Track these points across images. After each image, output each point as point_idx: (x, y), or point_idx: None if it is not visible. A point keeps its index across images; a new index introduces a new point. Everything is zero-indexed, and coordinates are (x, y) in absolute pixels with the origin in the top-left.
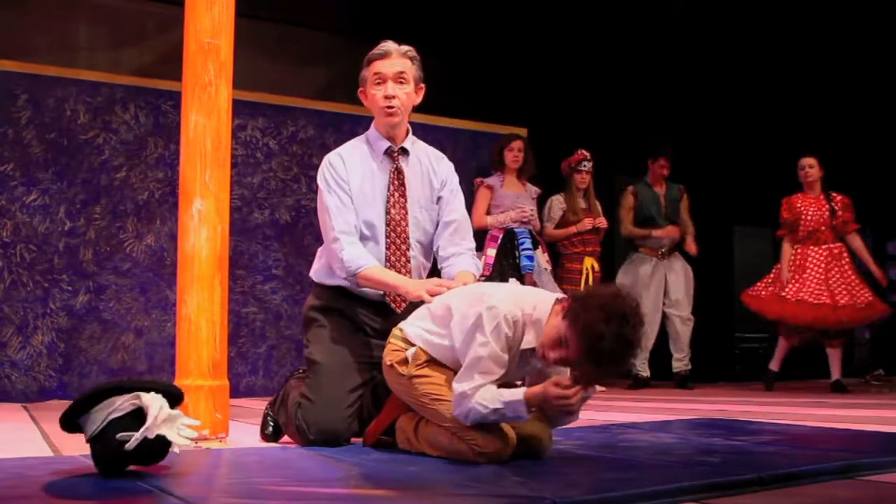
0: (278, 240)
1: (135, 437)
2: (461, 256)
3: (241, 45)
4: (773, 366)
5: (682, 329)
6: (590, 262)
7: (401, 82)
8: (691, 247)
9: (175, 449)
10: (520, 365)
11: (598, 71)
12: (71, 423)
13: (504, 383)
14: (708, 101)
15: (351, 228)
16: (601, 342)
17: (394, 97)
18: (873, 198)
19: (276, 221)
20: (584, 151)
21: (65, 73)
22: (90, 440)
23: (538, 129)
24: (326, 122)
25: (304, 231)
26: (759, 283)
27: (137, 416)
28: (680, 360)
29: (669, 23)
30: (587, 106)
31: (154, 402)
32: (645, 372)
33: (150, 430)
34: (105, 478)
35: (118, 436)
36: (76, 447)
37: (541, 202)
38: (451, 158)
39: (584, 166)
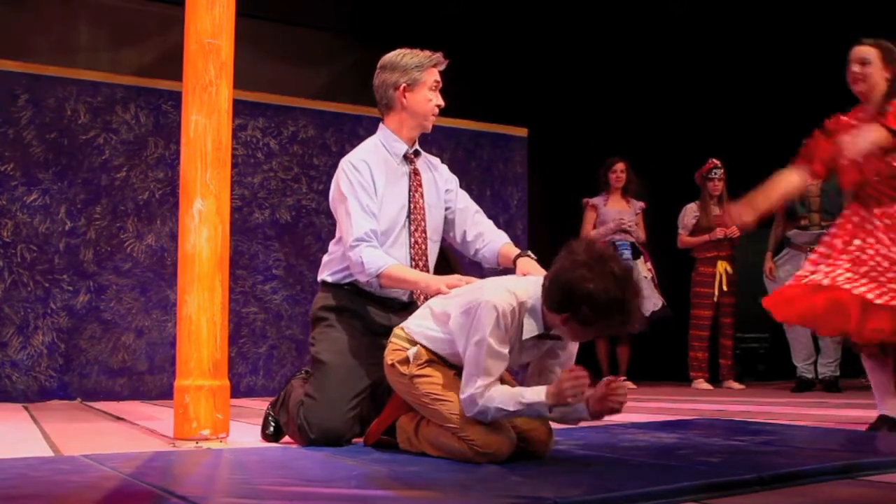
0: (279, 240)
1: None
2: (496, 233)
3: (241, 45)
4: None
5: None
6: (723, 267)
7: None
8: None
9: None
10: (522, 354)
11: (599, 71)
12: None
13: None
14: (707, 102)
15: (370, 234)
16: (601, 293)
17: (440, 106)
18: None
19: (276, 221)
20: (714, 160)
21: (65, 73)
22: None
23: (538, 129)
24: (327, 122)
25: (305, 231)
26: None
27: None
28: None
29: (670, 24)
30: (587, 106)
31: None
32: (809, 374)
33: None
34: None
35: None
36: (76, 447)
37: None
38: (451, 158)
39: (715, 174)
